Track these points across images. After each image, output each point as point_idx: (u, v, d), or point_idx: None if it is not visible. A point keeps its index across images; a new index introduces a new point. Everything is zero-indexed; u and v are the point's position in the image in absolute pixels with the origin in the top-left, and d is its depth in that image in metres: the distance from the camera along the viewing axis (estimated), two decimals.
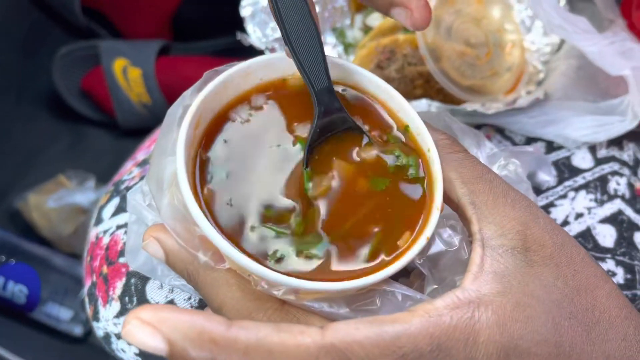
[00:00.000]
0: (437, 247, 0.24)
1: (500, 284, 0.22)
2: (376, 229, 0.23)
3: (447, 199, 0.25)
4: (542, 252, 0.23)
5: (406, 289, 0.23)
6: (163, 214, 0.23)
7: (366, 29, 0.50)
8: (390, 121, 0.26)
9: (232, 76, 0.25)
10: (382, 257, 0.23)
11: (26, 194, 0.76)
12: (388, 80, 0.46)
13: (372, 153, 0.24)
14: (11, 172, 0.80)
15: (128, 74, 0.80)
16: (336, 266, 0.22)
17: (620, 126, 0.34)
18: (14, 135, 0.83)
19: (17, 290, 0.68)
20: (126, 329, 0.19)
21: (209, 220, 0.22)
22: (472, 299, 0.22)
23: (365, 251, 0.23)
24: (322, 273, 0.22)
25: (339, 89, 0.27)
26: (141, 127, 0.80)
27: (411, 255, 0.22)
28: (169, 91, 0.80)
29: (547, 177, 0.34)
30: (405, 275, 0.26)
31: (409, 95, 0.46)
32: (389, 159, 0.24)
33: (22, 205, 0.76)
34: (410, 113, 0.25)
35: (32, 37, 0.88)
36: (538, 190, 0.35)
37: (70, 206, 0.74)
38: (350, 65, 0.27)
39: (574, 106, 0.37)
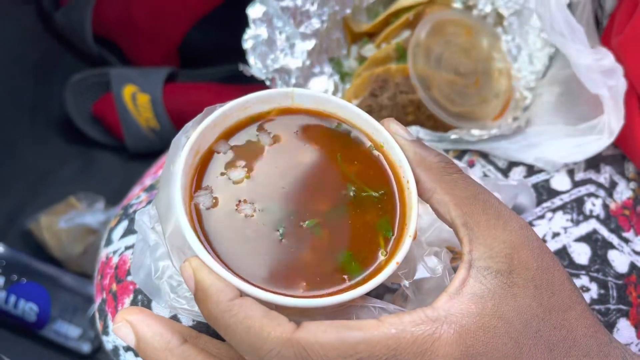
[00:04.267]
0: (423, 273, 0.27)
1: (475, 305, 0.24)
2: (352, 253, 0.25)
3: (443, 219, 0.26)
4: (525, 274, 0.25)
5: (381, 303, 0.25)
6: (167, 238, 0.25)
7: (361, 59, 0.53)
8: (376, 153, 0.28)
9: (231, 109, 0.27)
10: (358, 278, 0.25)
11: (38, 215, 0.79)
12: (381, 107, 0.49)
13: (353, 190, 0.26)
14: (24, 193, 0.83)
15: (137, 99, 0.84)
16: (317, 286, 0.24)
17: (597, 144, 0.37)
18: (27, 158, 0.86)
19: (28, 308, 0.71)
20: (115, 325, 0.24)
21: (202, 244, 0.24)
22: (438, 317, 0.23)
23: (342, 273, 0.25)
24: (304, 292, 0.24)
25: (333, 123, 0.28)
26: (149, 150, 0.83)
27: (382, 277, 0.24)
28: (176, 116, 0.84)
29: (528, 203, 0.36)
30: (390, 292, 0.28)
31: (401, 122, 0.48)
32: (372, 194, 0.26)
33: (34, 226, 0.79)
34: (393, 146, 0.27)
35: (46, 64, 0.92)
36: (518, 211, 0.37)
37: (80, 227, 0.77)
38: (341, 101, 0.28)
39: (553, 130, 0.39)
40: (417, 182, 0.26)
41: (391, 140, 0.27)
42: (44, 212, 0.79)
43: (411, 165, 0.26)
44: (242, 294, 0.23)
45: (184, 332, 0.25)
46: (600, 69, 0.37)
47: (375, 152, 0.28)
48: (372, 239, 0.26)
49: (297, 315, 0.23)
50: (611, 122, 0.37)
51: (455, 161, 0.39)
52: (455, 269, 0.26)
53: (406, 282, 0.26)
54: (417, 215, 0.25)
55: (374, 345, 0.22)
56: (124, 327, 0.25)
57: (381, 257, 0.25)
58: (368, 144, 0.28)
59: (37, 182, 0.85)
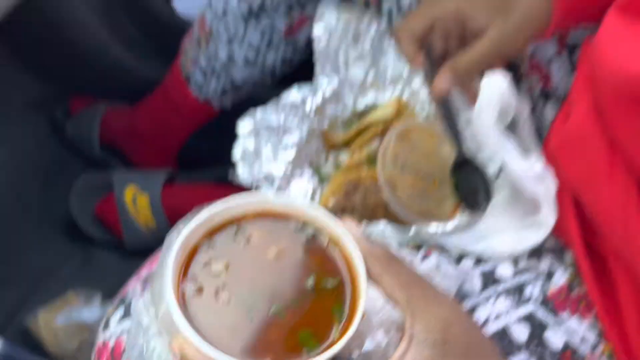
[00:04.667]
0: (371, 345, 0.31)
1: None
2: (311, 331, 0.30)
3: (390, 299, 0.32)
4: (456, 346, 0.30)
5: None
6: (159, 321, 0.30)
7: (337, 165, 0.61)
8: (333, 247, 0.33)
9: (214, 211, 0.33)
10: (316, 351, 0.30)
11: (37, 311, 0.82)
12: (353, 208, 0.55)
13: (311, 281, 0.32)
14: (25, 290, 0.87)
15: (137, 200, 0.90)
16: (281, 357, 0.29)
17: (535, 237, 0.43)
18: (30, 256, 0.91)
19: None
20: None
21: (188, 324, 0.29)
22: None
23: (302, 347, 0.30)
24: None
25: (299, 223, 0.34)
26: (146, 248, 0.88)
27: (335, 349, 0.29)
28: (173, 216, 0.90)
29: (471, 289, 0.42)
30: None
31: (371, 220, 0.55)
32: (328, 283, 0.32)
33: (32, 323, 0.82)
34: (348, 241, 0.33)
35: (54, 169, 1.00)
36: (465, 295, 0.42)
37: (76, 323, 0.80)
38: (307, 205, 0.34)
39: (500, 224, 0.45)
40: (368, 270, 0.32)
41: (346, 237, 0.33)
42: (42, 309, 0.83)
43: (363, 256, 0.32)
44: None
45: None
46: (533, 174, 0.44)
47: (333, 246, 0.33)
48: (328, 319, 0.31)
49: None
50: (547, 219, 0.43)
51: (413, 252, 0.45)
52: (399, 342, 0.30)
53: (355, 355, 0.31)
54: (365, 299, 0.31)
55: None
56: None
57: (335, 334, 0.30)
58: (327, 240, 0.34)
59: (39, 279, 0.89)
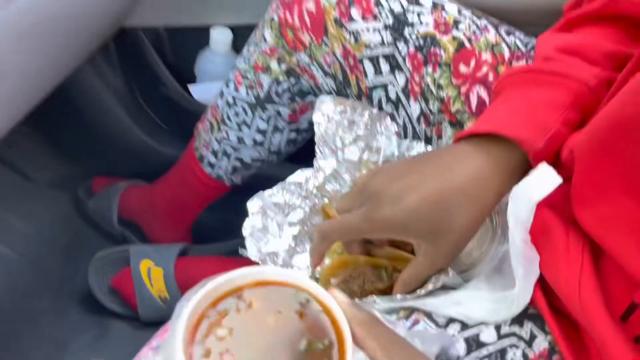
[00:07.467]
0: None
1: None
2: None
3: (372, 359, 0.35)
4: None
5: None
6: None
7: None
8: (323, 314, 0.38)
9: (219, 283, 0.38)
10: None
11: None
12: (352, 292, 0.58)
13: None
14: None
15: (152, 273, 0.95)
16: None
17: (508, 312, 0.46)
18: (47, 328, 0.94)
19: None
20: None
21: None
22: None
23: None
24: None
25: (294, 291, 0.39)
26: (160, 319, 0.92)
27: None
28: (186, 288, 0.93)
29: (454, 352, 0.45)
30: None
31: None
32: (319, 345, 0.36)
33: None
34: (336, 308, 0.37)
35: (74, 244, 1.05)
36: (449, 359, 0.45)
37: None
38: (301, 278, 0.39)
39: (477, 294, 0.49)
40: (353, 334, 0.36)
41: (334, 304, 0.37)
42: None
43: (348, 321, 0.36)
44: None
45: None
46: (529, 251, 0.47)
47: (323, 313, 0.38)
48: None
49: None
50: (520, 297, 0.47)
51: (401, 319, 0.49)
52: None
53: None
54: (352, 358, 0.35)
55: None
56: None
57: None
58: (318, 307, 0.38)
59: (54, 351, 0.92)
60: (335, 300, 0.37)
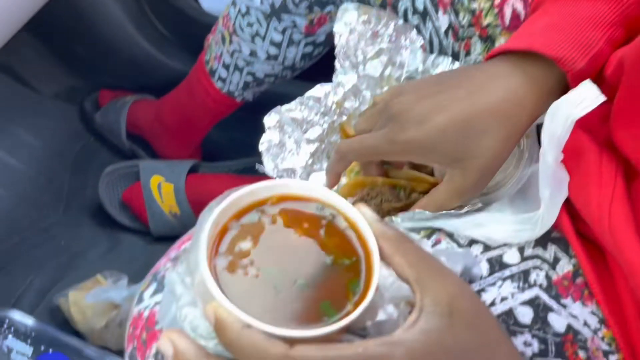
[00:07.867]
0: (382, 316, 0.35)
1: (423, 336, 0.32)
2: (330, 302, 0.34)
3: (400, 277, 0.35)
4: (463, 317, 0.33)
5: (352, 337, 0.33)
6: (195, 288, 0.34)
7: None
8: (350, 230, 0.36)
9: (242, 195, 0.37)
10: (334, 319, 0.33)
11: (67, 291, 0.87)
12: None
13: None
14: (55, 272, 0.91)
15: (162, 189, 0.94)
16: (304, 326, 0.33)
17: (530, 234, 0.45)
18: (60, 240, 0.95)
19: None
20: (159, 342, 0.32)
21: (222, 292, 0.32)
22: (394, 342, 0.31)
23: (323, 316, 0.33)
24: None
25: (319, 206, 0.37)
26: (170, 234, 0.93)
27: (351, 318, 0.33)
28: (196, 204, 0.94)
29: (477, 272, 0.44)
30: (358, 337, 0.36)
31: None
32: (345, 261, 0.35)
33: (62, 301, 0.87)
34: (363, 224, 0.36)
35: (83, 158, 1.04)
36: (472, 279, 0.45)
37: (104, 302, 0.84)
38: (325, 191, 0.37)
39: (499, 216, 0.48)
40: (380, 250, 0.35)
41: (361, 220, 0.36)
42: (72, 289, 0.87)
43: (376, 238, 0.35)
44: (249, 327, 0.32)
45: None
46: (555, 175, 0.45)
47: (349, 229, 0.37)
48: (345, 293, 0.34)
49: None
50: (544, 219, 0.45)
51: (424, 239, 0.48)
52: (408, 315, 0.34)
53: (369, 323, 0.34)
54: (378, 276, 0.34)
55: (347, 358, 0.30)
56: (165, 343, 0.33)
57: (351, 306, 0.34)
58: (344, 222, 0.37)
59: (68, 262, 0.93)
60: (362, 216, 0.36)
